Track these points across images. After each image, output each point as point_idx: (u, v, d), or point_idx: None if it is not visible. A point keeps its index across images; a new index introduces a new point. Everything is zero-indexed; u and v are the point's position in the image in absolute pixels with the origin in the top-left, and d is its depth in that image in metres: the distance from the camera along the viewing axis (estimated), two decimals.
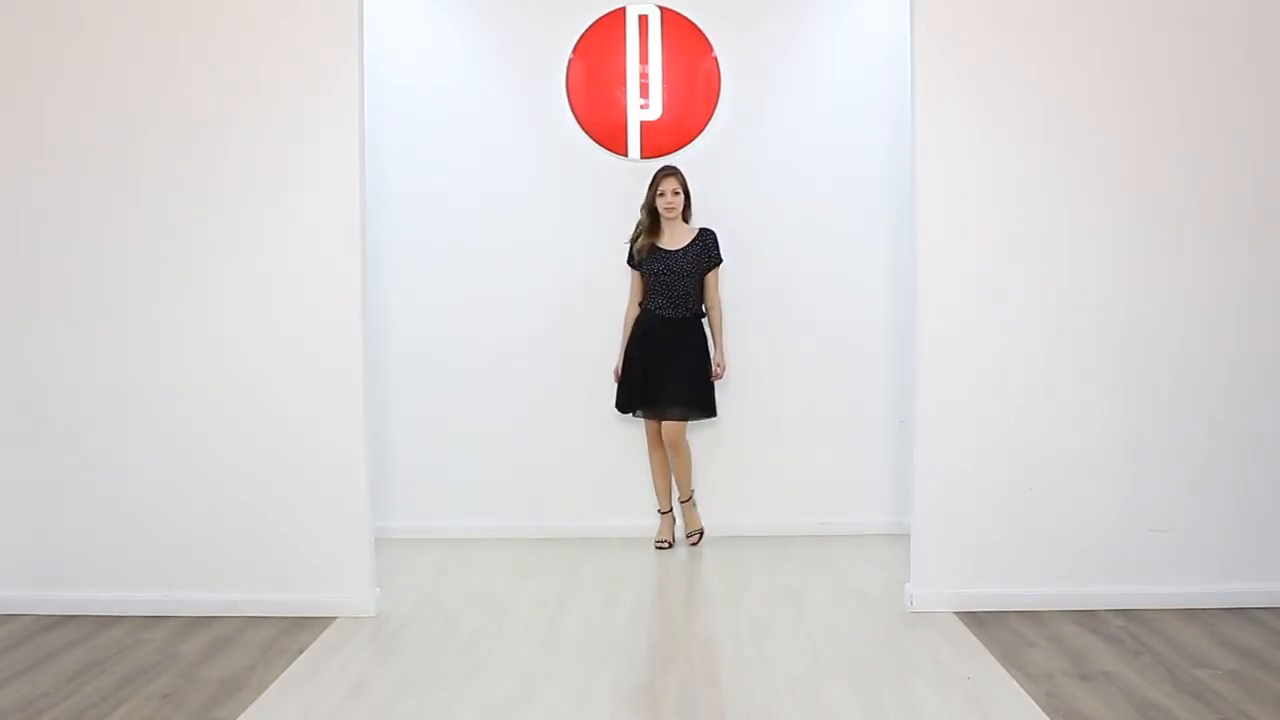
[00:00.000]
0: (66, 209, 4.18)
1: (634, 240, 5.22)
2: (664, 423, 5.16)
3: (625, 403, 5.24)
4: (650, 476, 5.40)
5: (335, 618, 4.15)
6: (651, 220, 5.19)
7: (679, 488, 5.34)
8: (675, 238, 5.19)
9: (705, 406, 5.17)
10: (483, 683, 3.54)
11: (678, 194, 5.15)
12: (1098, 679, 3.48)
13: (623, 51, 5.46)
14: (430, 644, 3.94)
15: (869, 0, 5.46)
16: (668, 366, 5.12)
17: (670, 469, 5.30)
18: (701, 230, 5.20)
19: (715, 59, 5.47)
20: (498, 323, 5.50)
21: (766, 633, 4.01)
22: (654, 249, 5.18)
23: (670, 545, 5.28)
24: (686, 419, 5.17)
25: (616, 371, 5.31)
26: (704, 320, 5.22)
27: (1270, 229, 4.18)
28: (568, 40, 5.47)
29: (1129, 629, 3.95)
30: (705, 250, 5.18)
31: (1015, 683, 3.46)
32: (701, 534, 5.35)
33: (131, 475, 4.21)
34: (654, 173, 5.20)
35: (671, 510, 5.38)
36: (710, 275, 5.20)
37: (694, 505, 5.36)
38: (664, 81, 5.46)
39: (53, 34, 4.19)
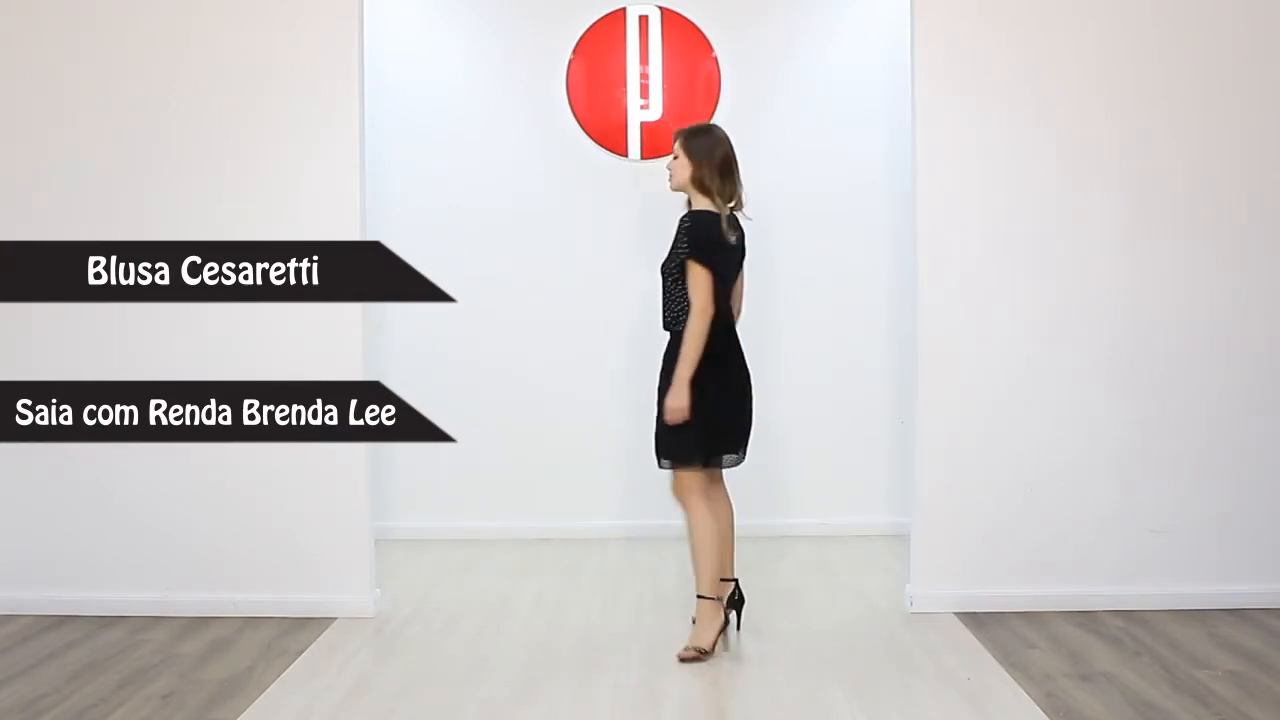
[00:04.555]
0: (68, 207, 4.18)
1: None
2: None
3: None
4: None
5: (335, 618, 4.15)
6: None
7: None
8: None
9: (658, 449, 3.85)
10: (483, 683, 3.54)
11: (676, 158, 3.82)
12: (1097, 680, 3.48)
13: (623, 52, 5.46)
14: (430, 644, 3.94)
15: (869, 1, 5.46)
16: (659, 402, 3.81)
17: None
18: (690, 213, 3.81)
19: (715, 59, 5.47)
20: (497, 322, 5.49)
21: (766, 633, 4.01)
22: None
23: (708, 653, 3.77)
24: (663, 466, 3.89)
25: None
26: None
27: (1268, 228, 4.18)
28: (568, 41, 5.46)
29: (1128, 630, 3.95)
30: (676, 238, 3.78)
31: (1015, 683, 3.45)
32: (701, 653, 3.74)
33: (131, 475, 4.21)
34: None
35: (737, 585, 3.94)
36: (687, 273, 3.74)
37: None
38: (664, 82, 5.46)
39: (53, 36, 4.19)
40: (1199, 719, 3.17)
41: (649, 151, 5.44)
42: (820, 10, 5.49)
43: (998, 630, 3.97)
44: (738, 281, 3.91)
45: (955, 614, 4.13)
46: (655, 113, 5.47)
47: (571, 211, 5.48)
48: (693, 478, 3.85)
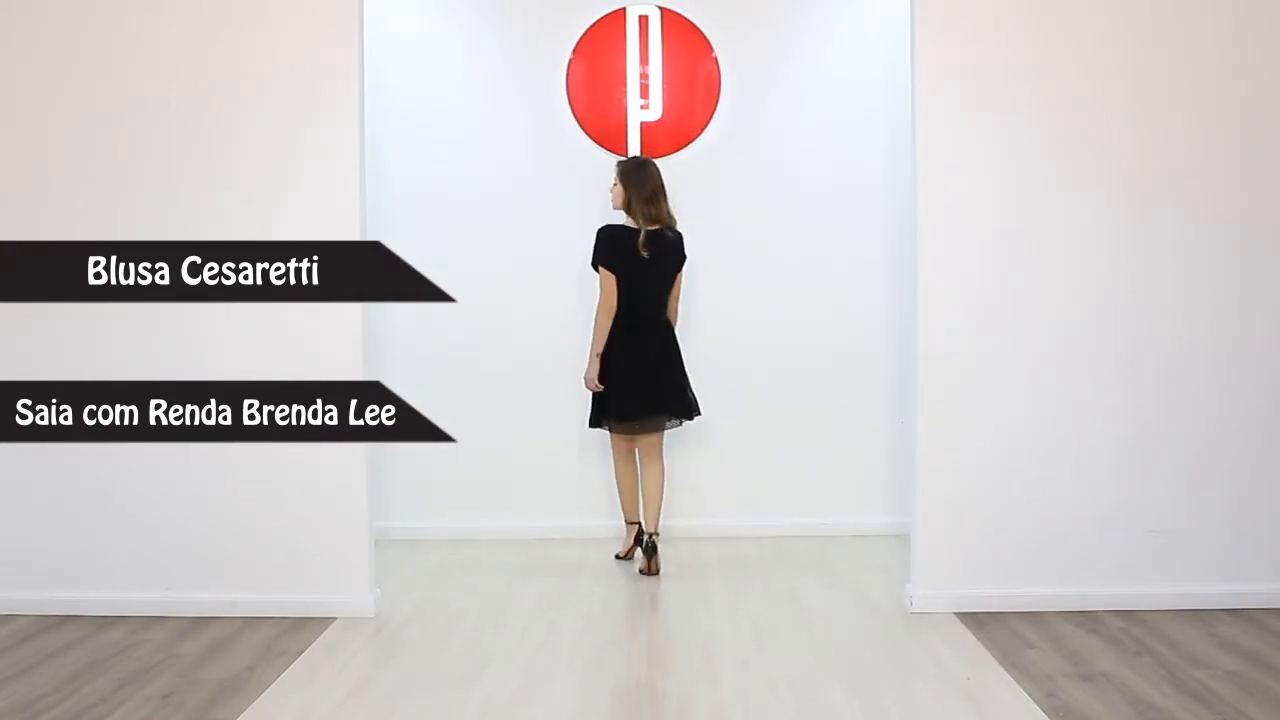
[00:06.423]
0: (67, 207, 4.18)
1: None
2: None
3: None
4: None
5: (335, 618, 4.15)
6: None
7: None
8: None
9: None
10: (483, 683, 3.54)
11: (615, 185, 4.87)
12: (1097, 680, 3.49)
13: (623, 52, 5.46)
14: (430, 644, 3.94)
15: (869, 1, 5.46)
16: None
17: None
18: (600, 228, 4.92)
19: (715, 59, 5.47)
20: (497, 322, 5.49)
21: (766, 633, 4.01)
22: None
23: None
24: None
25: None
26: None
27: (1268, 228, 4.18)
28: (568, 40, 5.46)
29: (1128, 630, 3.95)
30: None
31: (1015, 683, 3.46)
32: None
33: (131, 475, 4.21)
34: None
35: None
36: None
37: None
38: (664, 82, 5.46)
39: (53, 35, 4.19)
40: (1199, 719, 3.18)
41: (649, 151, 5.43)
42: (820, 10, 5.49)
43: (998, 630, 3.97)
44: (674, 286, 4.89)
45: (955, 614, 4.13)
46: (655, 113, 5.47)
47: (572, 211, 5.47)
48: (612, 437, 4.98)
